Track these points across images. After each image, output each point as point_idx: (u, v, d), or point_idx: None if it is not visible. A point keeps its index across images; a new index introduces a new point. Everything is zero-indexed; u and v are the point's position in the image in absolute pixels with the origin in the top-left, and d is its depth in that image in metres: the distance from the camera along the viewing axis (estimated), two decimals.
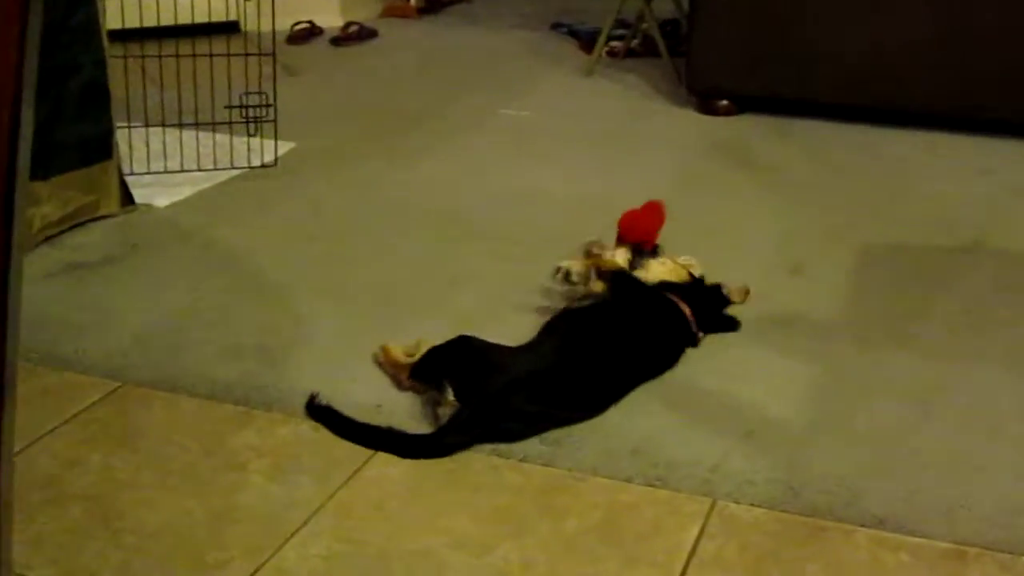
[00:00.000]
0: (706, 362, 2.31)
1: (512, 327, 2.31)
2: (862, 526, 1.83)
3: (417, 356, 2.16)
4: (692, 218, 3.04)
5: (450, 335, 2.19)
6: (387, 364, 2.21)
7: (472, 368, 2.06)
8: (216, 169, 3.28)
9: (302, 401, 2.12)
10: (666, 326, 2.29)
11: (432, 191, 3.26)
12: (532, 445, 2.03)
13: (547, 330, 2.25)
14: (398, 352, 2.22)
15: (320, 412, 2.07)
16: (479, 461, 1.98)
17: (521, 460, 1.99)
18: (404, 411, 2.10)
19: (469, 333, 2.18)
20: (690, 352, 2.32)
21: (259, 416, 2.11)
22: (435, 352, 2.13)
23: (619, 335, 2.21)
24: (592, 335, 2.21)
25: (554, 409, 2.06)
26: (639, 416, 2.12)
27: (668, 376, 2.25)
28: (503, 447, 2.01)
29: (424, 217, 3.06)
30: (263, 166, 3.32)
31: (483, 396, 2.01)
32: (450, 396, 2.04)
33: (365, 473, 1.94)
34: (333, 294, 2.61)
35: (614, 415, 2.12)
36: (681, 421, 2.12)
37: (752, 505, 1.88)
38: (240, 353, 2.32)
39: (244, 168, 3.31)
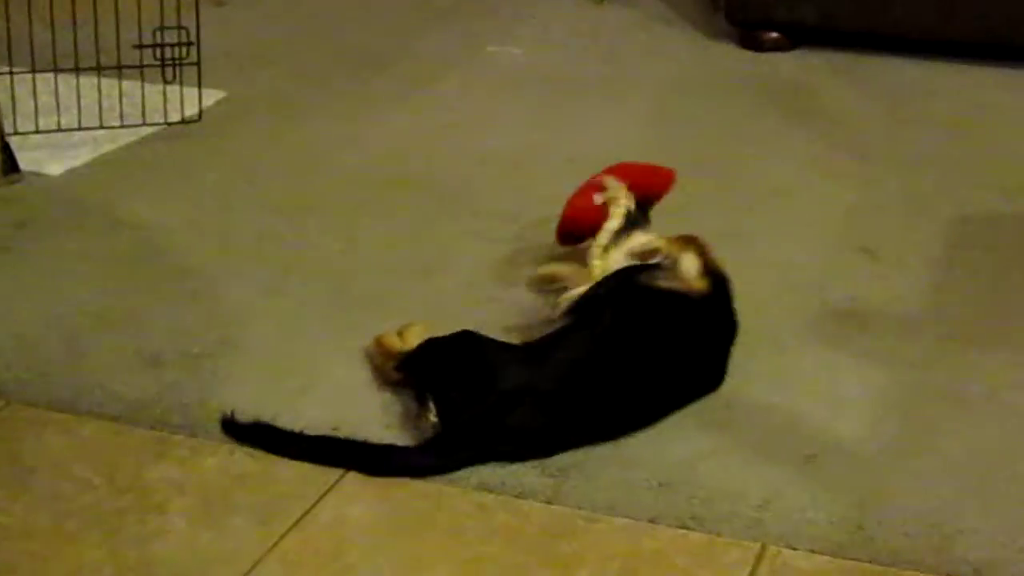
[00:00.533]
0: (754, 368, 2.30)
1: (501, 330, 2.30)
2: None
3: (408, 340, 2.21)
4: (734, 184, 3.04)
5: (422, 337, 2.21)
6: (378, 354, 2.26)
7: (466, 372, 2.08)
8: (123, 126, 3.27)
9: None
10: (720, 332, 2.28)
11: (399, 154, 3.24)
12: (531, 476, 2.02)
13: (564, 328, 2.23)
14: (393, 340, 2.26)
15: (249, 431, 2.08)
16: (462, 497, 1.98)
17: (517, 496, 1.99)
18: (367, 433, 2.10)
19: (445, 334, 2.18)
20: (734, 360, 2.29)
21: (181, 443, 2.11)
22: (432, 345, 2.18)
23: (658, 338, 2.20)
24: (624, 335, 2.19)
25: (563, 430, 2.07)
26: (668, 438, 2.11)
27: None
28: (493, 479, 2.02)
29: (388, 187, 3.05)
30: (184, 122, 3.30)
31: (474, 411, 2.03)
32: (431, 415, 2.06)
33: (317, 514, 1.94)
34: (274, 286, 2.60)
35: (636, 437, 2.12)
36: (722, 444, 2.12)
37: (812, 551, 1.87)
38: (157, 362, 2.32)
39: (159, 125, 3.30)
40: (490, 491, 2.00)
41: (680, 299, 2.23)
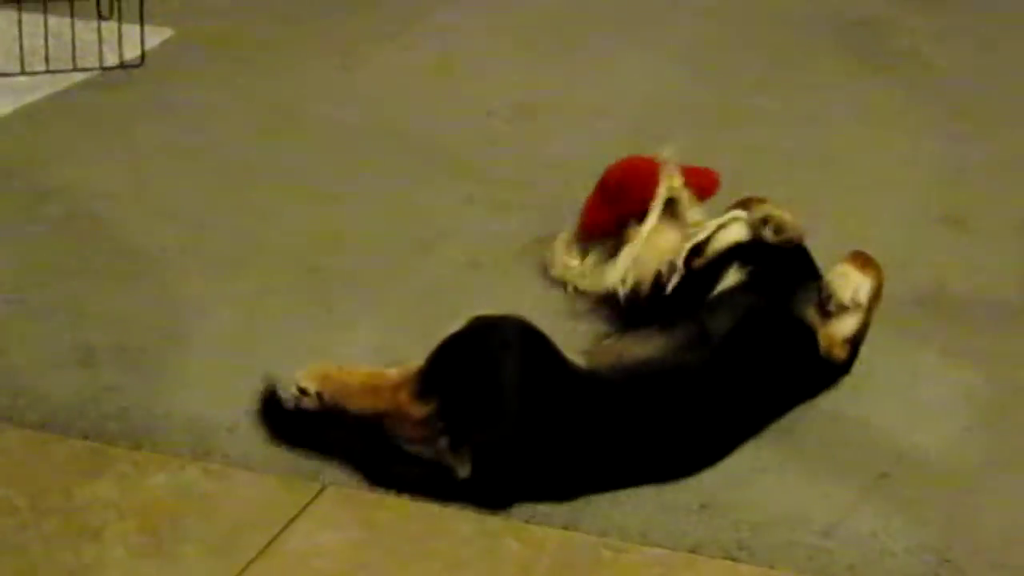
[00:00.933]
0: None
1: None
2: None
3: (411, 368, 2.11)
4: (793, 142, 3.03)
5: (415, 328, 2.18)
6: (345, 393, 2.11)
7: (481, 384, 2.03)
8: (50, 72, 3.27)
9: (185, 431, 2.12)
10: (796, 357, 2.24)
11: (386, 104, 3.22)
12: None
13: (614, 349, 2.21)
14: (343, 371, 2.16)
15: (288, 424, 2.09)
16: (463, 521, 1.97)
17: (528, 520, 1.98)
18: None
19: (444, 329, 2.12)
20: None
21: (121, 456, 2.10)
22: (455, 343, 2.07)
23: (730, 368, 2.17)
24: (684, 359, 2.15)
25: (593, 476, 2.04)
26: None
27: None
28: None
29: (373, 145, 3.03)
30: (123, 66, 3.30)
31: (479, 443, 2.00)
32: (442, 443, 2.02)
33: (286, 542, 1.93)
34: (233, 268, 2.60)
35: None
36: (777, 458, 2.11)
37: None
38: (91, 359, 2.32)
39: (93, 70, 3.30)
40: (496, 514, 1.99)
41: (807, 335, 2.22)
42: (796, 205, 2.53)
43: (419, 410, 2.04)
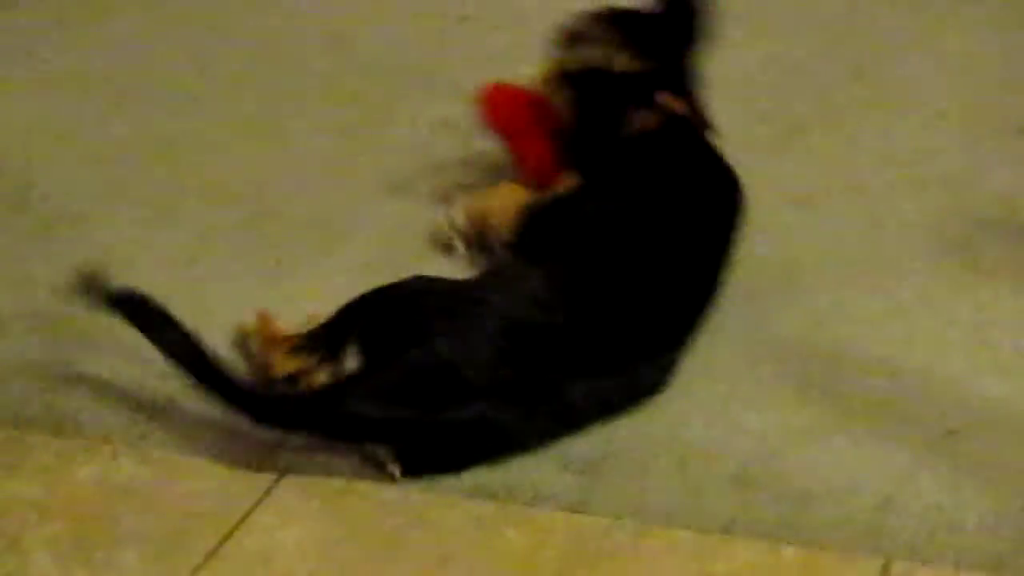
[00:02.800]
0: (868, 309, 2.30)
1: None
2: None
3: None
4: (843, 37, 3.05)
5: (379, 280, 2.15)
6: (260, 337, 2.25)
7: (401, 322, 2.10)
8: None
9: (115, 412, 2.11)
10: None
11: (338, 13, 3.26)
12: (547, 474, 2.00)
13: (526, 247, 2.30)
14: (278, 325, 2.25)
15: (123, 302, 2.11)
16: (451, 508, 1.95)
17: (530, 503, 1.96)
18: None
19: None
20: (838, 294, 2.30)
21: (42, 445, 2.09)
22: (349, 309, 2.17)
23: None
24: (612, 239, 2.24)
25: (556, 381, 2.06)
26: (744, 411, 2.09)
27: (795, 338, 2.23)
28: (493, 481, 1.99)
29: (325, 62, 3.05)
30: None
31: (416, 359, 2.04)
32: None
33: (241, 541, 1.92)
34: (162, 213, 2.60)
35: (698, 409, 2.09)
36: (823, 418, 2.08)
37: (957, 568, 1.84)
38: (3, 329, 2.32)
39: None
40: (492, 497, 1.97)
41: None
42: (836, 114, 2.58)
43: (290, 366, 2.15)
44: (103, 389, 2.17)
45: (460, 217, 2.48)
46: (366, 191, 2.66)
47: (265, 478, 2.02)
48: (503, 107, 2.57)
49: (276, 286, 2.37)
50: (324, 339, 2.16)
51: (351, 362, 2.13)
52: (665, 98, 2.40)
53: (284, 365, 2.17)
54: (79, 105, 2.94)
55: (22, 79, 3.04)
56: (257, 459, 2.05)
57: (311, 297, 2.33)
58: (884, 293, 2.36)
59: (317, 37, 3.17)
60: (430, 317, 2.10)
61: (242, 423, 2.08)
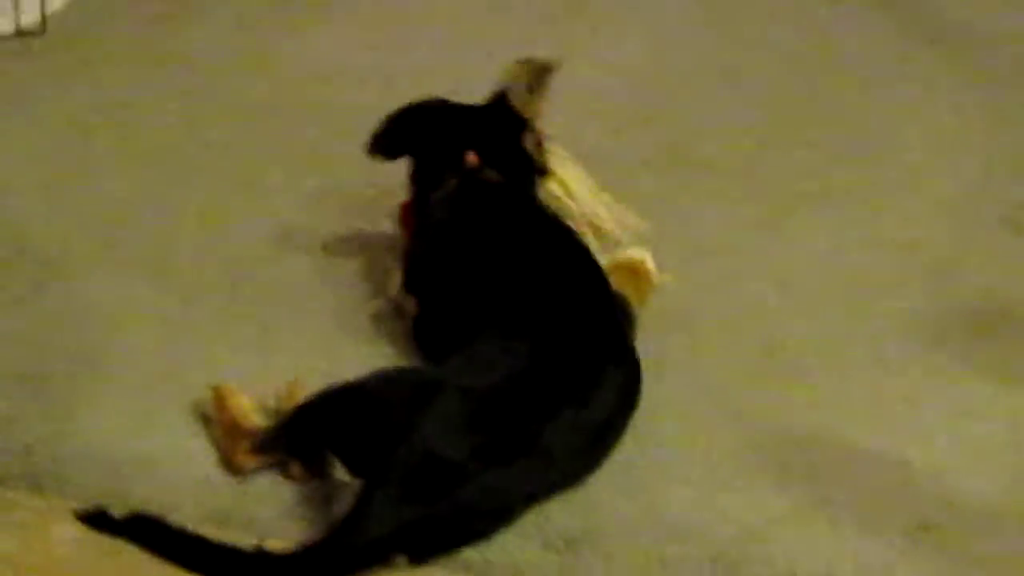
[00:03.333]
0: (848, 396, 2.30)
1: None
2: None
3: (281, 413, 2.17)
4: (824, 126, 3.05)
5: (363, 349, 2.19)
6: (220, 424, 2.20)
7: (369, 423, 2.07)
8: None
9: (98, 472, 2.09)
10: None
11: (325, 77, 3.25)
12: (528, 550, 2.00)
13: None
14: (241, 403, 2.21)
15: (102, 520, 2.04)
16: None
17: None
18: (272, 495, 2.08)
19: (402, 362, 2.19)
20: (819, 380, 2.30)
21: (20, 503, 2.07)
22: (308, 410, 2.14)
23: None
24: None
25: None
26: (724, 495, 2.09)
27: (776, 423, 2.23)
28: (473, 554, 1.99)
29: (311, 126, 3.04)
30: (20, 34, 3.32)
31: (394, 464, 2.01)
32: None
33: None
34: (151, 275, 2.58)
35: (678, 490, 2.09)
36: (801, 505, 2.09)
37: None
38: None
39: None
40: (469, 571, 1.96)
41: None
42: (821, 203, 2.59)
43: (254, 461, 2.14)
44: (85, 448, 2.15)
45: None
46: (353, 256, 2.68)
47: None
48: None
49: (262, 353, 2.37)
50: (284, 441, 2.14)
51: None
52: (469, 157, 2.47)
53: (246, 462, 2.15)
54: (70, 158, 2.95)
55: (17, 131, 3.06)
56: (237, 525, 2.04)
57: (296, 366, 2.32)
58: (866, 382, 2.35)
59: (308, 97, 3.19)
60: (398, 411, 2.08)
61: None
